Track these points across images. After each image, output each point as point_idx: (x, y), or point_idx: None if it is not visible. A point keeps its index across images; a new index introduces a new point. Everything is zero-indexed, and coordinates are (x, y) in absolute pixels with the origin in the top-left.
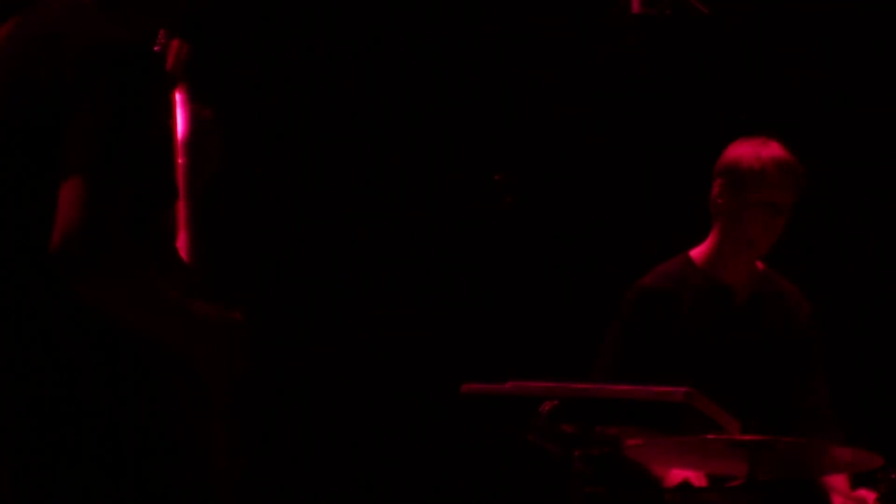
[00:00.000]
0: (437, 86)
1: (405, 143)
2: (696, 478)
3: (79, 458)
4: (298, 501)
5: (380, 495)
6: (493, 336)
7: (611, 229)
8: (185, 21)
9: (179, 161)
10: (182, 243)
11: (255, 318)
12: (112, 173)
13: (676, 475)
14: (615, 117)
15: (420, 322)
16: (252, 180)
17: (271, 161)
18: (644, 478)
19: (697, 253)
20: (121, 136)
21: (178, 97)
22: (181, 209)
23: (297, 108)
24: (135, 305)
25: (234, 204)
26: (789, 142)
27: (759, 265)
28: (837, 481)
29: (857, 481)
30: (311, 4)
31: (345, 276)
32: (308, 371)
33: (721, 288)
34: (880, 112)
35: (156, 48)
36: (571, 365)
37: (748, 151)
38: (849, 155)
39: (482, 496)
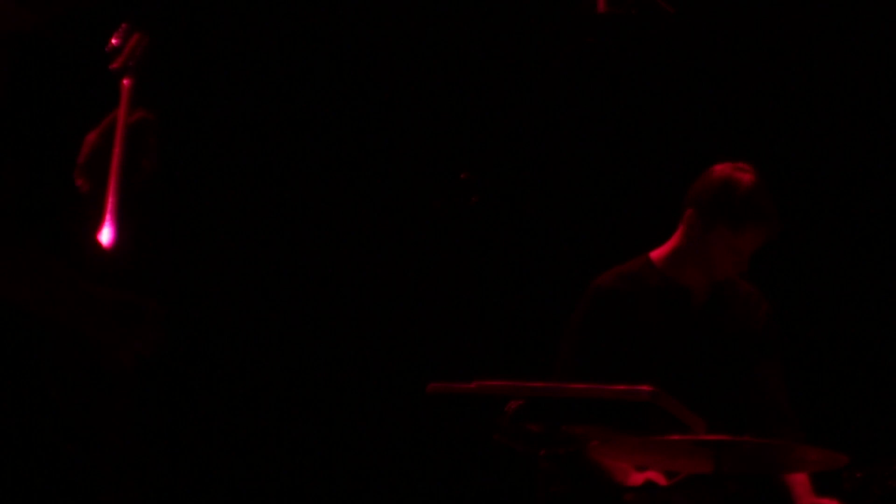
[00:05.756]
0: (402, 86)
1: (370, 144)
2: (658, 479)
3: None
4: (264, 500)
5: (345, 494)
6: (460, 335)
7: (575, 229)
8: (149, 15)
9: (116, 151)
10: (105, 233)
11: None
12: None
13: (637, 478)
14: (580, 117)
15: (386, 321)
16: (215, 178)
17: (237, 160)
18: (607, 477)
19: (657, 254)
20: None
21: (125, 87)
22: (108, 200)
23: (262, 108)
24: (8, 278)
25: (201, 201)
26: (751, 140)
27: None
28: (800, 487)
29: (822, 486)
30: (273, 6)
31: (310, 275)
32: (273, 370)
33: (679, 289)
34: (844, 111)
35: (113, 40)
36: (537, 364)
37: (727, 196)
38: (814, 154)
39: (448, 495)
